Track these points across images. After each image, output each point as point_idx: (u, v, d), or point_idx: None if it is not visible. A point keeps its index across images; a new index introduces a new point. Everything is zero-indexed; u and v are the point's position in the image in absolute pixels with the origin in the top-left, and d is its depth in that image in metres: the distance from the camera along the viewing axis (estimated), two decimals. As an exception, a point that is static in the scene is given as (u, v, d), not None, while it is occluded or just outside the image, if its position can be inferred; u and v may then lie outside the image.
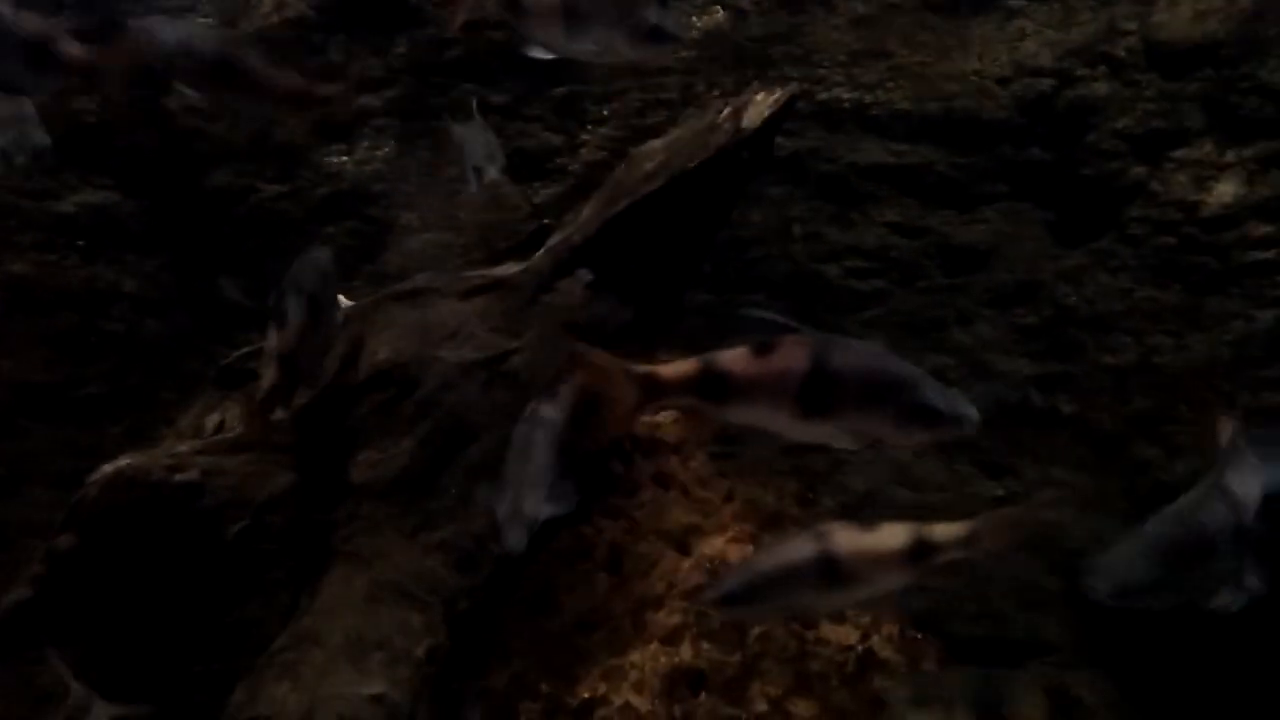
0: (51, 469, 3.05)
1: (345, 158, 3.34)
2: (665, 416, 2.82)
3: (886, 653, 2.29)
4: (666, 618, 2.34)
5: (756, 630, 2.31)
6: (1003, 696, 1.69)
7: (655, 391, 1.61)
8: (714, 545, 2.48)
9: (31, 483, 3.05)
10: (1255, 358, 2.95)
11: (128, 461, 2.15)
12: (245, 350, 2.68)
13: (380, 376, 2.38)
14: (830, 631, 2.32)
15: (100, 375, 3.26)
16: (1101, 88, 3.06)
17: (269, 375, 2.19)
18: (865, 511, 3.04)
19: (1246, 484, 1.56)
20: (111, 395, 3.27)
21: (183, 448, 2.23)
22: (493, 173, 2.78)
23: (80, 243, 3.24)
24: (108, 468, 2.14)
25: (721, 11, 3.30)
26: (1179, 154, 3.02)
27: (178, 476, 2.14)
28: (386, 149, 3.35)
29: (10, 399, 3.13)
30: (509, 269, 2.59)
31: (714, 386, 1.60)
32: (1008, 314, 3.15)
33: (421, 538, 2.23)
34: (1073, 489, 3.04)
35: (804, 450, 3.27)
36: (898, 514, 2.96)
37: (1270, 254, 2.95)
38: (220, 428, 2.54)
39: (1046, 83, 3.12)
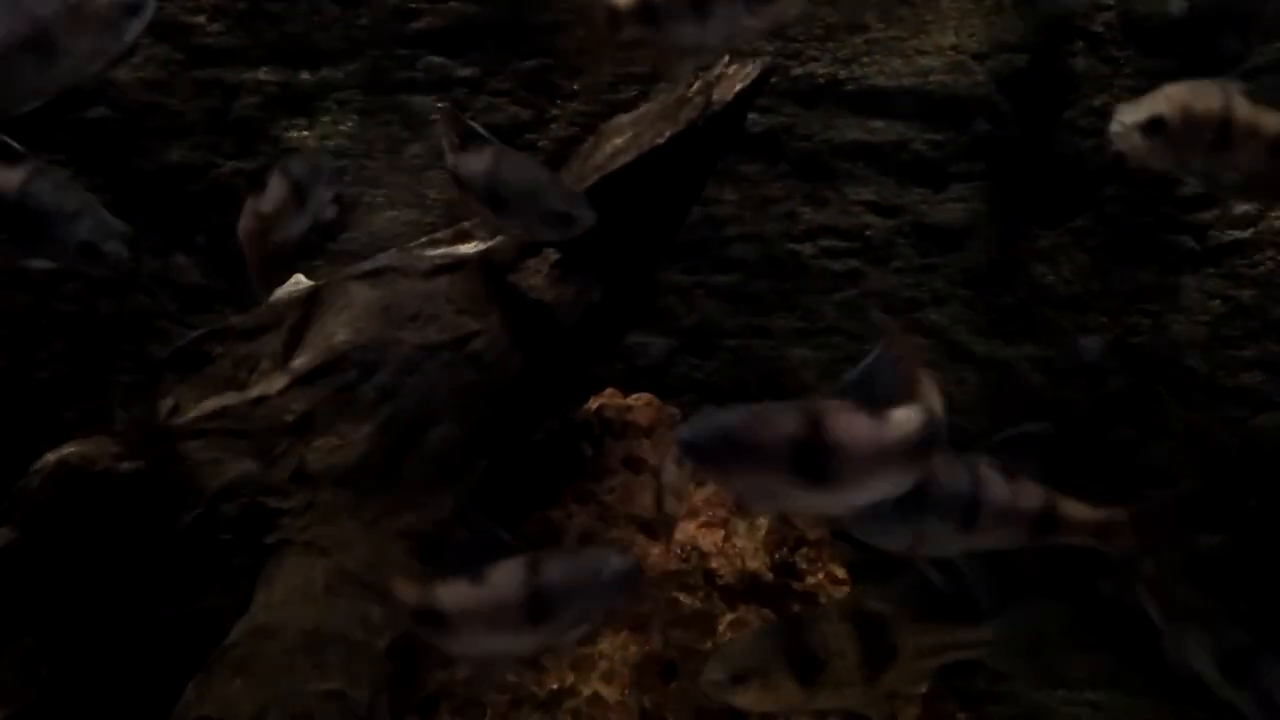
0: (2, 455, 2.96)
1: (306, 132, 3.25)
2: (636, 399, 2.76)
3: (860, 640, 2.25)
4: (636, 605, 2.29)
5: (728, 618, 2.26)
6: (810, 637, 1.73)
7: None
8: (685, 531, 2.43)
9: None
10: (1233, 338, 2.94)
11: (71, 450, 2.06)
12: (201, 332, 2.59)
13: (339, 359, 2.30)
14: (803, 618, 2.28)
15: (53, 358, 3.17)
16: (1079, 63, 3.02)
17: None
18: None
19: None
20: (65, 378, 3.17)
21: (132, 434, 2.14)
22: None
23: (30, 220, 3.13)
24: (50, 456, 2.05)
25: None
26: (1157, 131, 2.98)
27: (124, 465, 2.06)
28: (349, 123, 3.25)
29: (-42, 382, 3.03)
30: (474, 247, 2.52)
31: None
32: (983, 294, 3.12)
33: (382, 526, 2.16)
34: (1049, 471, 3.02)
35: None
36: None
37: (1248, 233, 2.93)
38: (174, 412, 2.45)
39: (1023, 58, 3.07)
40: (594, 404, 2.73)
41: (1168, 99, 1.81)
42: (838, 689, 1.74)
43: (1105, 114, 3.02)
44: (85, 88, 3.10)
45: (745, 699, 1.73)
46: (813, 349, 3.21)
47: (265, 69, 3.21)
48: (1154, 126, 1.81)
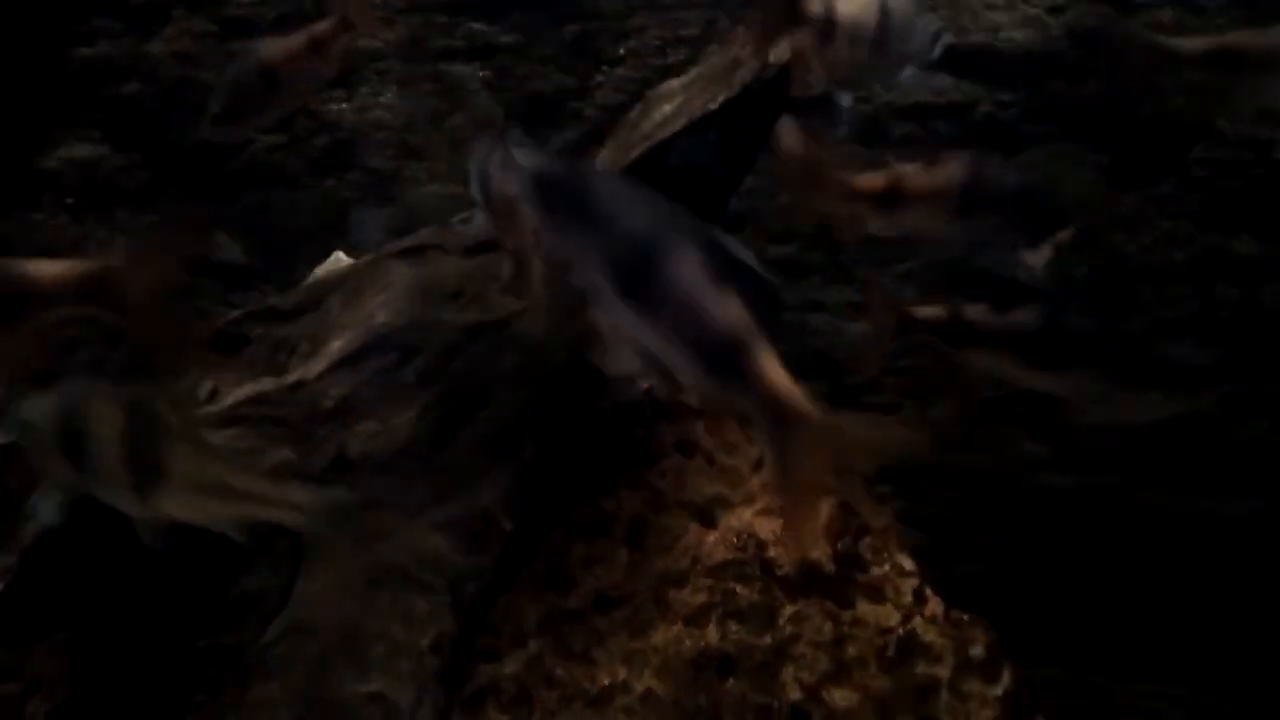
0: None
1: (345, 105, 3.16)
2: (688, 379, 2.64)
3: (930, 636, 2.13)
4: (691, 596, 2.19)
5: (788, 611, 2.15)
6: (78, 412, 1.56)
7: None
8: (741, 518, 2.31)
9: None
10: (1331, 310, 2.75)
11: (104, 439, 1.99)
12: (239, 313, 2.51)
13: (379, 341, 2.21)
14: (868, 611, 2.16)
15: (94, 339, 3.13)
16: (1165, 15, 2.82)
17: None
18: (906, 478, 2.88)
19: None
20: (106, 361, 3.14)
21: (165, 421, 2.07)
22: None
23: (68, 200, 3.09)
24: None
25: (746, -62, 3.07)
26: (1249, 87, 2.78)
27: (161, 453, 1.99)
28: (388, 94, 3.16)
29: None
30: (518, 222, 2.40)
31: None
32: (1058, 264, 2.95)
33: (426, 516, 2.07)
34: (1127, 451, 2.86)
35: (836, 409, 3.10)
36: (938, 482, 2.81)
37: (1351, 195, 2.73)
38: (214, 395, 2.38)
39: (1101, 10, 2.87)
40: (645, 384, 2.61)
41: None
42: (110, 476, 1.53)
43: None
44: (118, 63, 3.05)
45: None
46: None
47: (301, 39, 3.12)
48: None
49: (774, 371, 1.29)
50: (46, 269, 1.44)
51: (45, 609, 2.09)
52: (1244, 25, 2.77)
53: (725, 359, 1.29)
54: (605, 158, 2.45)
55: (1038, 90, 2.93)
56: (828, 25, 2.05)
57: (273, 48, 2.21)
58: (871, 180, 2.02)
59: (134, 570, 2.04)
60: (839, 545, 2.24)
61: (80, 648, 2.07)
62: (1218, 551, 2.86)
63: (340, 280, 2.40)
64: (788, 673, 2.07)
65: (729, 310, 1.28)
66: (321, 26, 2.20)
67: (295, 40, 2.20)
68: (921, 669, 2.10)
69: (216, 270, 3.14)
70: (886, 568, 2.21)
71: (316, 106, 3.14)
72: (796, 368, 3.13)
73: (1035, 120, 2.95)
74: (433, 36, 3.15)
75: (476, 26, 3.13)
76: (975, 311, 2.01)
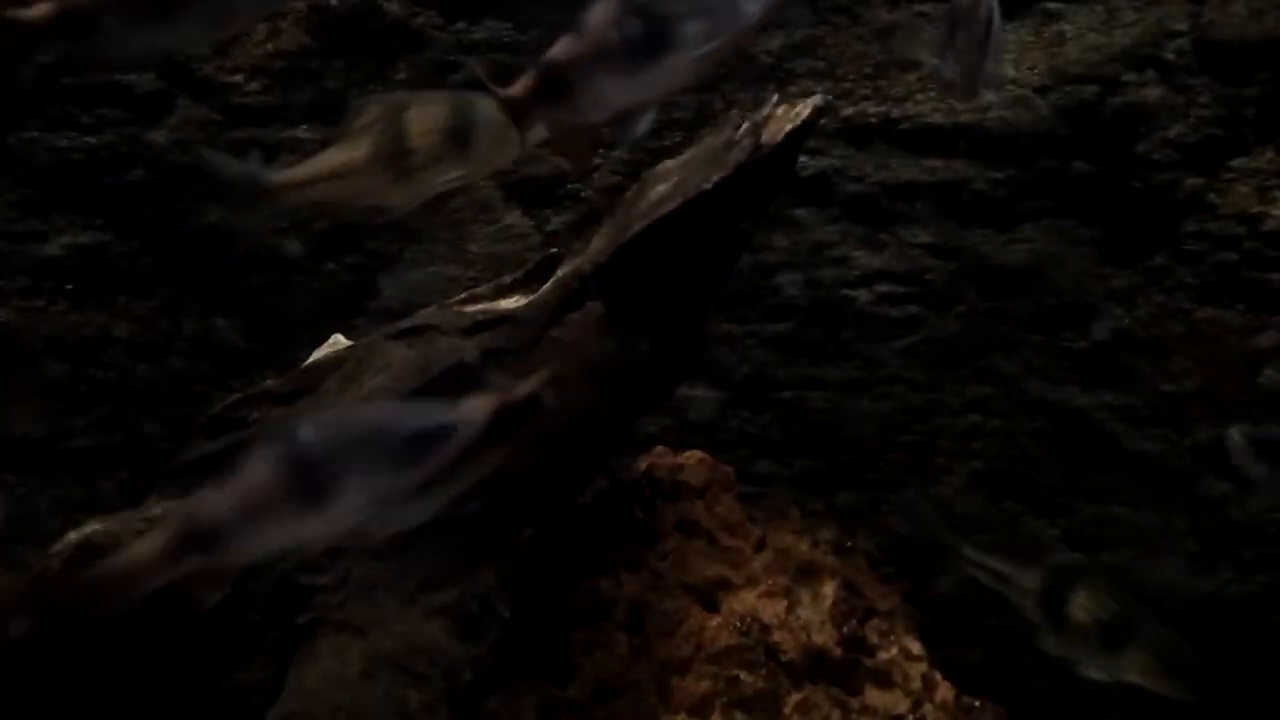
0: (41, 528, 2.90)
1: (345, 190, 3.19)
2: (688, 457, 2.63)
3: (940, 723, 2.07)
4: (694, 684, 2.14)
5: (794, 699, 2.09)
6: None
7: None
8: (744, 601, 2.27)
9: (20, 543, 2.90)
10: (1332, 381, 2.74)
11: (94, 529, 1.96)
12: (237, 397, 2.50)
13: (376, 424, 2.19)
14: (876, 698, 2.10)
15: (91, 425, 3.12)
16: (1151, 94, 2.87)
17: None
18: (907, 555, 2.83)
19: None
20: (103, 446, 3.12)
21: (157, 510, 2.04)
22: None
23: (68, 286, 3.11)
24: (72, 536, 1.95)
25: (738, 25, 3.13)
26: (1238, 163, 2.82)
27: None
28: (387, 179, 3.19)
29: (-4, 453, 2.99)
30: (515, 302, 2.41)
31: None
32: (1055, 339, 2.95)
33: (421, 602, 2.03)
34: (1134, 528, 2.83)
35: (838, 488, 3.07)
36: (943, 558, 2.76)
37: (1344, 268, 2.75)
38: (209, 481, 2.35)
39: (1090, 90, 2.92)
40: (644, 464, 2.59)
41: None
42: None
43: (1180, 146, 2.90)
44: (121, 151, 3.09)
45: None
46: (873, 400, 3.06)
47: (304, 127, 3.17)
48: None
49: None
50: None
51: (35, 706, 2.03)
52: (1231, 106, 2.82)
53: None
54: (603, 236, 2.47)
55: (1029, 167, 2.96)
56: None
57: None
58: None
59: (125, 665, 1.99)
60: (845, 628, 2.20)
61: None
62: (1230, 632, 2.80)
63: (338, 363, 2.39)
64: (795, 763, 2.01)
65: None
66: None
67: None
68: (931, 757, 2.04)
69: (216, 354, 3.14)
70: (894, 651, 2.17)
71: (317, 191, 3.17)
72: (793, 444, 3.10)
73: (1027, 198, 2.97)
74: (432, 122, 3.20)
75: (475, 112, 3.18)
76: None
